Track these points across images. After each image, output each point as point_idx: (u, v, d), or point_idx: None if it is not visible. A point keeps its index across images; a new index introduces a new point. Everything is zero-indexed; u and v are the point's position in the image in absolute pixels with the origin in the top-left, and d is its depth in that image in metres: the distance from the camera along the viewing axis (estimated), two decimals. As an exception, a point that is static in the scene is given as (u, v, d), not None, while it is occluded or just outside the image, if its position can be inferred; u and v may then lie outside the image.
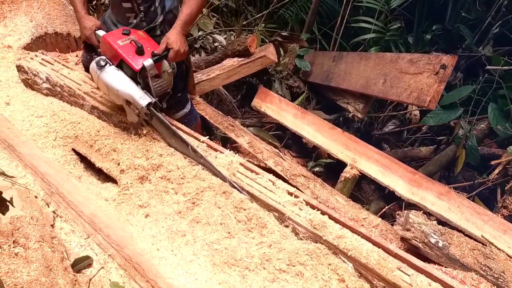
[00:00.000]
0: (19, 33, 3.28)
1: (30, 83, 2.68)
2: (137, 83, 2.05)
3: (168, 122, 2.09)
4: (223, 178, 1.91)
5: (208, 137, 2.20)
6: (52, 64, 2.65)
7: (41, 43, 3.35)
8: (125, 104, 2.12)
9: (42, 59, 2.70)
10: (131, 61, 2.00)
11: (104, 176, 2.31)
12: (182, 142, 2.05)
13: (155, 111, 2.06)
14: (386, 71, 2.80)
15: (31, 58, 2.70)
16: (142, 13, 2.28)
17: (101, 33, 2.14)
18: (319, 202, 2.31)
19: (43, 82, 2.59)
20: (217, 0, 4.96)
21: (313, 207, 1.77)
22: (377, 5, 4.20)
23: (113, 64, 2.09)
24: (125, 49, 2.03)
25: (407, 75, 2.56)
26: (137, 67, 1.99)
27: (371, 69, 3.00)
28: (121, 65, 2.08)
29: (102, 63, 2.06)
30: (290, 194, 1.82)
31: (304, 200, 1.78)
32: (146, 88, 2.06)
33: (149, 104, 2.00)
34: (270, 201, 1.79)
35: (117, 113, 2.34)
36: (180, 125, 2.26)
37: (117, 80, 2.03)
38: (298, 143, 3.70)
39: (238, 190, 1.87)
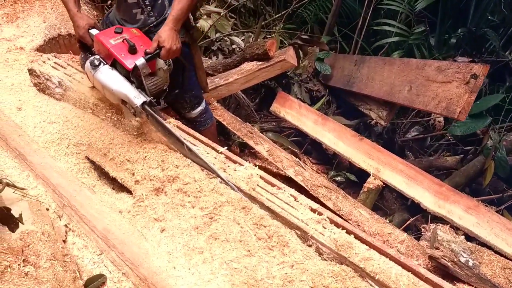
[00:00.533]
0: (32, 34, 3.23)
1: (42, 87, 2.63)
2: (131, 82, 2.02)
3: (163, 121, 2.06)
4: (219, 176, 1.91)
5: (226, 148, 2.11)
6: (65, 68, 2.59)
7: (54, 44, 3.30)
8: (121, 103, 2.11)
9: (55, 62, 2.64)
10: (123, 61, 1.98)
11: (119, 185, 2.24)
12: (178, 141, 2.02)
13: (150, 110, 2.02)
14: (412, 78, 2.67)
15: (43, 62, 2.64)
16: (149, 7, 2.22)
17: (94, 32, 2.10)
18: (342, 214, 2.21)
19: (56, 87, 2.54)
20: (235, 0, 4.86)
21: (337, 225, 1.66)
22: (400, 8, 4.04)
23: (107, 63, 2.06)
24: (117, 48, 2.00)
25: (435, 84, 2.43)
26: (130, 66, 1.97)
27: (396, 75, 2.87)
28: (115, 64, 2.05)
29: (96, 62, 2.04)
30: (313, 211, 1.71)
31: (328, 218, 1.68)
32: (140, 86, 2.04)
33: (144, 103, 1.98)
34: (292, 218, 1.68)
35: (131, 121, 2.28)
36: (198, 134, 2.18)
37: (111, 79, 2.01)
38: (318, 149, 3.58)
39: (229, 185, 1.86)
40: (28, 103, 2.56)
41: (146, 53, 1.97)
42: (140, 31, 2.16)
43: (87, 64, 2.07)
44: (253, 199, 1.81)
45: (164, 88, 2.17)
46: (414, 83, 2.63)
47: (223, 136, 3.69)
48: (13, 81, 2.76)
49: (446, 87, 2.34)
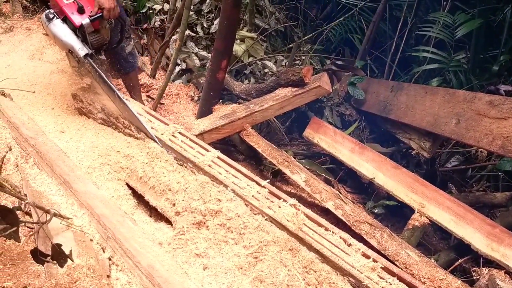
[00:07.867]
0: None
1: (85, 112, 2.64)
2: (77, 36, 2.41)
3: (100, 71, 2.44)
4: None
5: (265, 183, 2.05)
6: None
7: (96, 67, 3.34)
8: (68, 52, 2.50)
9: (98, 87, 2.66)
10: (72, 19, 2.37)
11: (156, 212, 2.21)
12: (110, 89, 2.42)
13: (91, 61, 2.42)
14: (459, 111, 2.57)
15: (86, 86, 2.66)
16: None
17: None
18: (388, 255, 2.11)
19: (98, 112, 2.55)
20: (267, 25, 4.87)
21: (393, 274, 1.57)
22: (439, 34, 3.95)
23: (59, 18, 2.43)
24: (68, 7, 2.39)
25: (487, 119, 2.32)
26: (77, 24, 2.37)
27: (440, 106, 2.77)
28: (65, 19, 2.43)
29: (51, 16, 2.41)
30: (367, 257, 1.63)
31: (383, 265, 1.59)
32: (85, 40, 2.43)
33: (86, 54, 2.39)
34: (344, 264, 1.60)
35: (173, 150, 2.26)
36: (239, 167, 2.14)
37: (61, 32, 2.40)
38: (353, 177, 3.48)
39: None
40: (71, 126, 2.58)
41: (90, 15, 2.36)
42: None
43: (43, 16, 2.44)
44: (300, 240, 1.74)
45: (105, 43, 2.56)
46: (462, 116, 2.53)
47: (254, 160, 3.64)
48: (56, 104, 2.79)
49: (501, 123, 2.23)
